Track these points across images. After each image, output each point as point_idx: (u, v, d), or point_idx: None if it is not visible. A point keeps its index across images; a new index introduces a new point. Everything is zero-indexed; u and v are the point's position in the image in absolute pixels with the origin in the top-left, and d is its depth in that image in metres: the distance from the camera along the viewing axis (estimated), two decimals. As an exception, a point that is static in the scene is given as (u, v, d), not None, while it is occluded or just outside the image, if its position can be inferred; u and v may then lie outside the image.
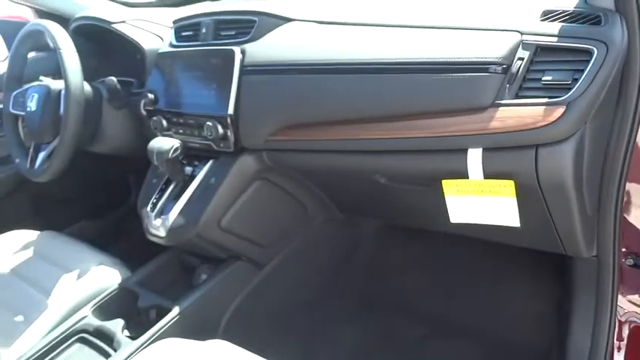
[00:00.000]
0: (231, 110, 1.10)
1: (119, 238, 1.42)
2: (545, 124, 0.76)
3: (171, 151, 1.12)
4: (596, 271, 1.00)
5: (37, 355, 0.98)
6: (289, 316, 1.27)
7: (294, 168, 1.19)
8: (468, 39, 0.85)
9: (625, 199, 0.88)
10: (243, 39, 1.13)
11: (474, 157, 0.84)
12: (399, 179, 1.05)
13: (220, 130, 1.12)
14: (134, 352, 0.96)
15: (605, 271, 0.98)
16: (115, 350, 0.99)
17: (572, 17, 0.81)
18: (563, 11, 0.83)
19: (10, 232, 1.42)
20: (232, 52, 1.11)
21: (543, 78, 0.78)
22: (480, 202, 0.86)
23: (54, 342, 1.02)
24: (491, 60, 0.81)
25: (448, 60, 0.84)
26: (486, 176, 0.84)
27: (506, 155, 0.82)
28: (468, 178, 0.86)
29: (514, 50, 0.81)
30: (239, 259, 1.22)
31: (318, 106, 1.01)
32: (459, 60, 0.83)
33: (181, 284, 1.20)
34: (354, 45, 0.98)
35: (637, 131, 0.81)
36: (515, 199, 0.84)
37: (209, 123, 1.13)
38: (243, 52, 1.12)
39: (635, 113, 0.79)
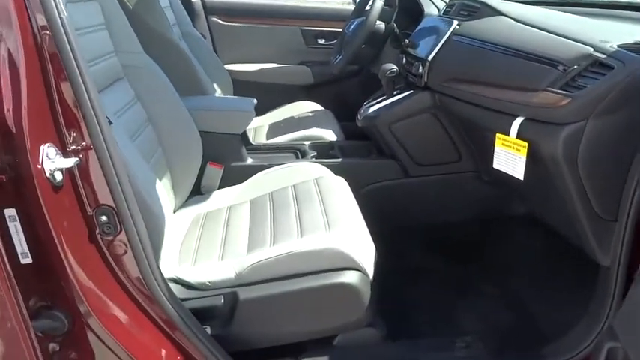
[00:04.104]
0: (430, 57, 1.64)
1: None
2: (556, 107, 1.05)
3: (389, 71, 1.76)
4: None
5: None
6: (396, 231, 1.66)
7: (451, 112, 1.64)
8: (557, 42, 1.15)
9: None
10: (466, 18, 1.63)
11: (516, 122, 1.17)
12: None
13: (420, 69, 1.68)
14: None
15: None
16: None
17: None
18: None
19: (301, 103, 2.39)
20: (452, 23, 1.63)
21: (579, 80, 1.05)
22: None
23: None
24: (560, 60, 1.11)
25: (537, 53, 1.18)
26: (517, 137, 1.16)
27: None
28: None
29: (580, 59, 1.08)
30: (395, 160, 1.79)
31: (483, 71, 1.42)
32: (543, 54, 1.16)
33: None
34: (519, 37, 1.35)
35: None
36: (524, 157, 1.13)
37: (417, 63, 1.69)
38: (459, 24, 1.62)
39: None
